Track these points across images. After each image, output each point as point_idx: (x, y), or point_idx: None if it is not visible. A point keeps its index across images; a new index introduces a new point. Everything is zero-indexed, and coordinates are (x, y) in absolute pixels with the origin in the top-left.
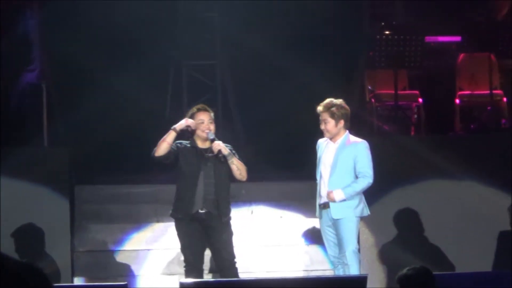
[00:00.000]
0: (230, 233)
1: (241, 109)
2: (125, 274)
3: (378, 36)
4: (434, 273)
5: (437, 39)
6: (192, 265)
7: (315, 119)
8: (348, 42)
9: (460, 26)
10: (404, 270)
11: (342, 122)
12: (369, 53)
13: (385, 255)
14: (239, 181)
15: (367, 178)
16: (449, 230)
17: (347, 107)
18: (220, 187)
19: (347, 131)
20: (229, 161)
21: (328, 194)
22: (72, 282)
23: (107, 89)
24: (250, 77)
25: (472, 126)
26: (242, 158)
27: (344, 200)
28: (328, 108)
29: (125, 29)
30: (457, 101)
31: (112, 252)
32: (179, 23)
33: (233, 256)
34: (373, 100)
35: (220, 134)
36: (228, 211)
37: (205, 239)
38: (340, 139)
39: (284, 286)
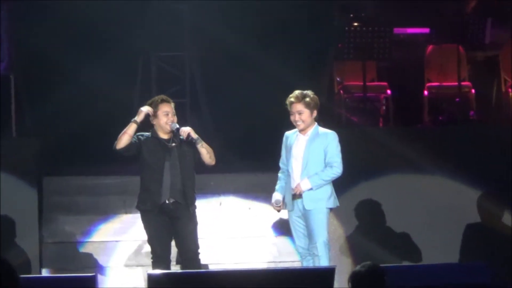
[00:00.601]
0: (195, 223)
1: (210, 100)
2: (93, 265)
3: (346, 28)
4: (401, 264)
5: (405, 30)
6: (160, 257)
7: (284, 111)
8: (317, 33)
9: (429, 18)
10: (357, 267)
11: (315, 113)
12: (338, 44)
13: (353, 246)
14: (208, 173)
15: (335, 168)
16: (416, 222)
17: (317, 98)
18: (186, 177)
19: (316, 123)
20: (198, 145)
21: (296, 186)
22: (40, 273)
23: (75, 80)
24: (219, 68)
25: (440, 117)
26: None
27: (311, 189)
28: (302, 98)
29: (94, 21)
30: (426, 92)
31: (81, 243)
32: (148, 14)
33: (198, 247)
34: (341, 91)
35: (188, 125)
36: (194, 200)
37: (171, 230)
38: (310, 131)
39: (252, 277)
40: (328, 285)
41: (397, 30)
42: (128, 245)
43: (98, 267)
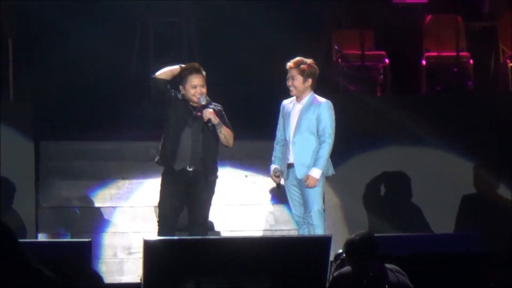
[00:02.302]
0: (211, 193)
1: (206, 66)
2: (89, 230)
3: None
4: (395, 234)
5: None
6: (167, 220)
7: (281, 78)
8: (315, 1)
9: None
10: (351, 236)
11: (310, 81)
12: (336, 13)
13: (349, 215)
14: None
15: (327, 141)
16: (412, 191)
17: (316, 67)
18: (207, 146)
19: (313, 92)
20: (218, 130)
21: (307, 179)
22: (36, 238)
23: (73, 44)
24: (216, 34)
25: (438, 87)
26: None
27: (322, 173)
28: (298, 65)
29: None
30: (424, 62)
31: (77, 208)
32: None
33: (207, 216)
34: (339, 60)
35: None
36: (216, 170)
37: (184, 197)
38: (305, 99)
39: (248, 245)
40: (324, 253)
41: None
42: (124, 211)
43: (94, 233)
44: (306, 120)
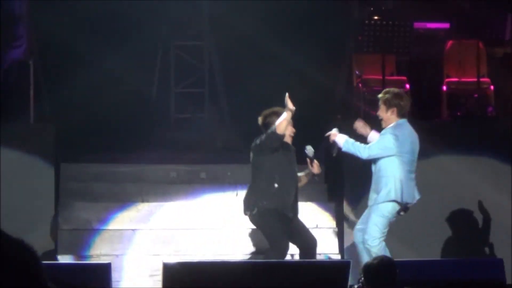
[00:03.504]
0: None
1: (228, 90)
2: (109, 253)
3: (366, 21)
4: (414, 259)
5: (425, 25)
6: (285, 250)
7: (303, 103)
8: (336, 26)
9: (449, 13)
10: (370, 260)
11: (394, 110)
12: (357, 37)
13: None
14: (225, 163)
15: (366, 149)
16: (433, 217)
17: (402, 96)
18: (296, 180)
19: (400, 120)
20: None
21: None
22: (56, 260)
23: (94, 67)
24: (237, 58)
25: (458, 113)
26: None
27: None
28: (382, 95)
29: (114, 7)
30: (444, 88)
31: (97, 230)
32: (168, 3)
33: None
34: (360, 85)
35: (206, 115)
36: None
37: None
38: (387, 129)
39: (268, 269)
40: (343, 278)
41: (417, 25)
42: (144, 233)
43: (113, 255)
44: None
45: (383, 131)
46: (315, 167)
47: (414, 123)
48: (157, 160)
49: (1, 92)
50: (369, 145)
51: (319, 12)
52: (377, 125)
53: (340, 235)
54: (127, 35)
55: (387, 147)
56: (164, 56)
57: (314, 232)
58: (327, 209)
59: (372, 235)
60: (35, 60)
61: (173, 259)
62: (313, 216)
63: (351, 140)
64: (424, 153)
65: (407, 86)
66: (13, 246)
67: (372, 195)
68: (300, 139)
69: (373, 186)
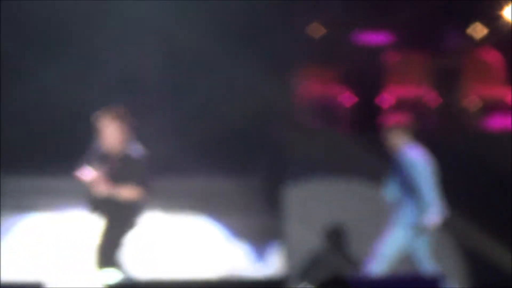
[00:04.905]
0: None
1: (170, 103)
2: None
3: (309, 33)
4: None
5: (368, 36)
6: None
7: (242, 115)
8: (280, 38)
9: (394, 24)
10: (322, 277)
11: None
12: (301, 49)
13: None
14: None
15: None
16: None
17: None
18: None
19: (410, 144)
20: None
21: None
22: None
23: (32, 80)
24: (180, 71)
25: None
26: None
27: None
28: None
29: (53, 20)
30: (387, 99)
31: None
32: (109, 15)
33: None
34: (303, 96)
35: (149, 128)
36: None
37: None
38: None
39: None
40: None
41: (360, 35)
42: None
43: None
44: None
45: None
46: None
47: (357, 135)
48: None
49: None
50: None
51: (262, 24)
52: (321, 139)
53: None
54: (67, 46)
55: None
56: (105, 68)
57: None
58: None
59: None
60: None
61: None
62: None
63: None
64: (365, 164)
65: (350, 97)
66: None
67: None
68: (243, 151)
69: None
